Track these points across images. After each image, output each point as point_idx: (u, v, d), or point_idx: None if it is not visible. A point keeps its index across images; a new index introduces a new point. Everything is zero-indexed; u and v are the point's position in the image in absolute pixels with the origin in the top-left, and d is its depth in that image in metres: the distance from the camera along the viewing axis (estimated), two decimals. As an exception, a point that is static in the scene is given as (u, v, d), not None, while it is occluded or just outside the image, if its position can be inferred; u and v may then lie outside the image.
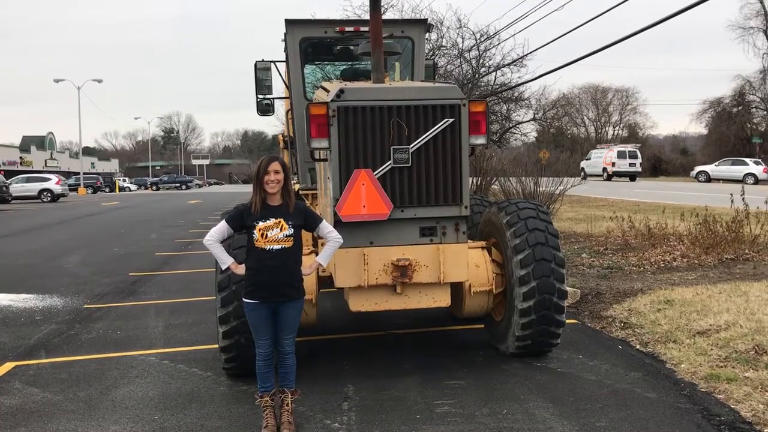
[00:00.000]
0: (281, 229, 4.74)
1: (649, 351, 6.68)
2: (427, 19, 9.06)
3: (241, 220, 4.81)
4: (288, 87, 8.48)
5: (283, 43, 8.22)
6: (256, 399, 4.99)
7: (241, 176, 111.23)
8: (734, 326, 6.82)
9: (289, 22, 7.94)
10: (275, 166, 4.73)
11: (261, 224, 4.72)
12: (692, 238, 11.81)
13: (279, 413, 4.93)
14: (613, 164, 47.48)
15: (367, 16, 6.46)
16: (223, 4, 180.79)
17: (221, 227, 4.85)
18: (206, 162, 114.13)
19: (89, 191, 64.15)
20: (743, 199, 11.71)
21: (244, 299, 4.87)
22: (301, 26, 8.05)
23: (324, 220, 5.03)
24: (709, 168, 45.05)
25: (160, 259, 14.38)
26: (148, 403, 5.61)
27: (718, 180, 42.12)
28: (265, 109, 9.08)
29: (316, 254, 6.23)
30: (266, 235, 4.72)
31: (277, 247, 4.73)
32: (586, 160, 51.54)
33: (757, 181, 39.71)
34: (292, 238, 4.77)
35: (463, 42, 24.82)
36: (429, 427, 4.95)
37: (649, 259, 11.05)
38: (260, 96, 8.74)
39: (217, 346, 6.08)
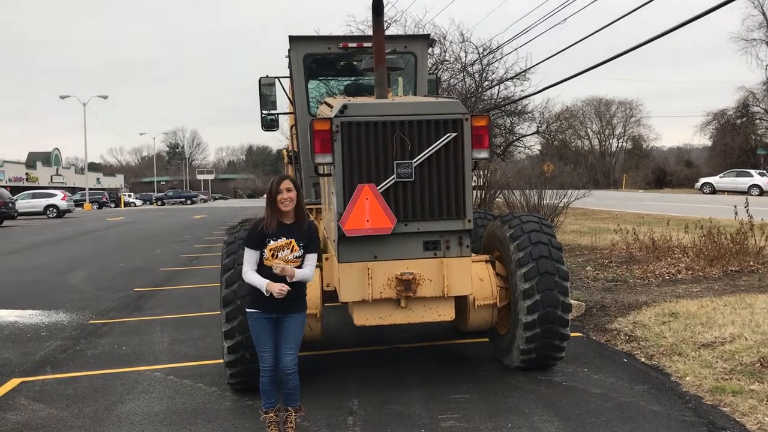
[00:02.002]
0: (292, 250, 4.76)
1: (654, 364, 6.66)
2: (429, 35, 9.14)
3: (257, 237, 4.80)
4: (292, 102, 8.54)
5: (287, 59, 8.29)
6: (261, 415, 5.00)
7: (245, 191, 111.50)
8: (739, 339, 6.80)
9: (293, 39, 8.01)
10: (287, 184, 4.77)
11: (272, 243, 4.75)
12: (697, 250, 11.79)
13: (283, 428, 4.95)
14: None
15: (370, 32, 6.51)
16: (227, 21, 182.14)
17: (249, 256, 4.79)
18: (211, 177, 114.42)
19: (95, 207, 64.33)
20: (748, 210, 11.70)
21: (246, 309, 4.91)
22: (304, 42, 8.12)
23: (316, 254, 4.95)
24: (713, 180, 45.07)
25: (165, 275, 14.41)
26: (154, 418, 5.62)
27: (722, 192, 42.08)
28: (269, 124, 9.15)
29: (321, 268, 6.27)
30: (276, 255, 4.74)
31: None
32: None
33: (761, 193, 39.69)
34: (301, 259, 4.81)
35: (466, 56, 24.95)
36: (434, 442, 4.95)
37: (653, 272, 11.04)
38: (265, 111, 8.81)
39: (222, 361, 6.10)
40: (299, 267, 4.80)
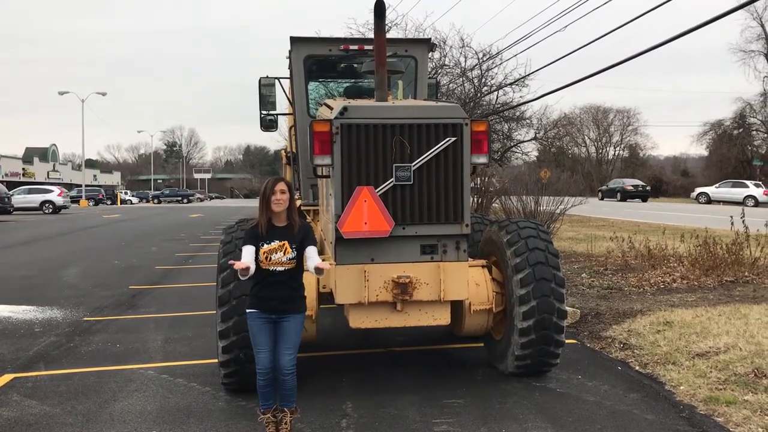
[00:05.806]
0: (284, 252, 4.79)
1: (648, 372, 6.67)
2: (430, 39, 9.13)
3: (254, 238, 4.84)
4: (291, 103, 8.53)
5: (288, 60, 8.29)
6: (258, 416, 5.00)
7: (242, 191, 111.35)
8: (734, 349, 6.81)
9: (294, 40, 8.01)
10: (281, 185, 4.82)
11: (265, 246, 4.78)
12: (692, 259, 11.82)
13: (279, 430, 4.94)
14: None
15: (371, 35, 6.52)
16: (228, 20, 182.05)
17: (247, 252, 4.79)
18: (208, 176, 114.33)
19: (91, 203, 64.21)
20: (743, 221, 11.74)
21: (246, 310, 4.92)
22: (305, 44, 8.11)
23: (315, 247, 4.92)
24: (709, 190, 45.20)
25: (160, 273, 14.38)
26: (146, 417, 5.60)
27: (718, 202, 42.21)
28: (268, 124, 9.14)
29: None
30: (270, 258, 4.78)
31: (280, 269, 4.80)
32: None
33: (757, 204, 39.76)
34: (295, 261, 4.84)
35: (465, 61, 24.94)
36: (427, 446, 4.94)
37: (648, 280, 11.05)
38: (264, 112, 8.79)
39: (216, 360, 6.08)
40: (294, 268, 4.84)
